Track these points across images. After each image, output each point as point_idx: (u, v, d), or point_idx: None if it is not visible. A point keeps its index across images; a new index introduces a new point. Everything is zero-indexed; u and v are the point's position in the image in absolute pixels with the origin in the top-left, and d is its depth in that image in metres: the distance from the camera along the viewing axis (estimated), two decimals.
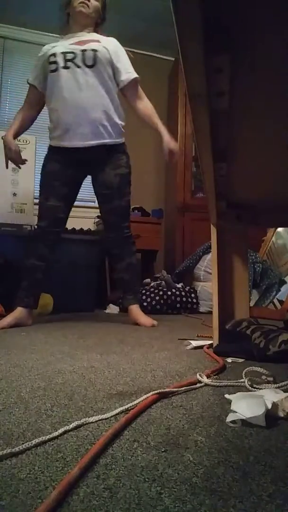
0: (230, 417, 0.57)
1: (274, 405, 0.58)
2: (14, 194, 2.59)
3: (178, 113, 3.31)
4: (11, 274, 2.01)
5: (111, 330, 1.61)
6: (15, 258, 2.12)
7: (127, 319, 1.89)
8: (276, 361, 0.99)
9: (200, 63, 0.42)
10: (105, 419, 0.57)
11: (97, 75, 1.73)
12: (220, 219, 1.27)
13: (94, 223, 3.28)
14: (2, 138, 1.85)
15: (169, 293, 2.58)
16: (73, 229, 2.86)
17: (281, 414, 0.58)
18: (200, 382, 0.77)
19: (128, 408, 0.61)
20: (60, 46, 1.78)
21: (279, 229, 2.85)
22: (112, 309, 2.54)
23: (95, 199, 1.97)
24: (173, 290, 2.61)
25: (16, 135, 1.83)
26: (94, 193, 1.94)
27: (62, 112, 1.73)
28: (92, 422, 0.56)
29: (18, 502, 0.36)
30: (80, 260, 2.46)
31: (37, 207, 1.84)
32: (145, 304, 2.47)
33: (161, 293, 2.56)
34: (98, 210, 3.02)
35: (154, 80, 3.68)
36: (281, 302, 2.58)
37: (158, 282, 2.69)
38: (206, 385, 0.77)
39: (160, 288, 2.61)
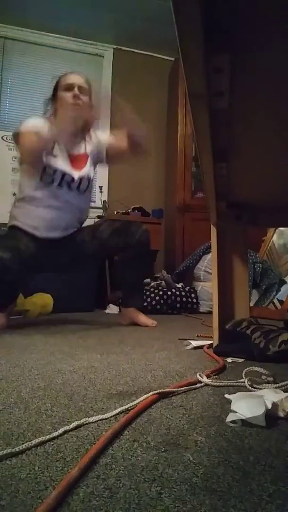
0: (230, 417, 0.57)
1: (274, 405, 0.58)
2: (14, 194, 2.59)
3: (178, 113, 3.30)
4: None
5: (111, 330, 1.61)
6: None
7: (126, 319, 1.88)
8: (276, 361, 0.99)
9: (200, 63, 0.42)
10: (105, 419, 0.57)
11: (84, 198, 1.81)
12: (220, 219, 1.27)
13: (94, 223, 3.27)
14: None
15: (169, 293, 2.58)
16: None
17: (281, 414, 0.59)
18: (200, 382, 0.77)
19: (128, 408, 0.61)
20: (61, 159, 1.70)
21: (279, 229, 2.84)
22: (112, 309, 2.54)
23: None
24: (173, 290, 2.61)
25: None
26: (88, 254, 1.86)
27: (40, 213, 1.70)
28: (92, 422, 0.56)
29: (18, 502, 0.36)
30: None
31: None
32: (145, 304, 2.47)
33: (161, 293, 2.56)
34: (98, 210, 3.07)
35: (154, 80, 3.69)
36: (281, 302, 2.58)
37: (158, 282, 2.69)
38: (206, 385, 0.77)
39: (160, 288, 2.61)
